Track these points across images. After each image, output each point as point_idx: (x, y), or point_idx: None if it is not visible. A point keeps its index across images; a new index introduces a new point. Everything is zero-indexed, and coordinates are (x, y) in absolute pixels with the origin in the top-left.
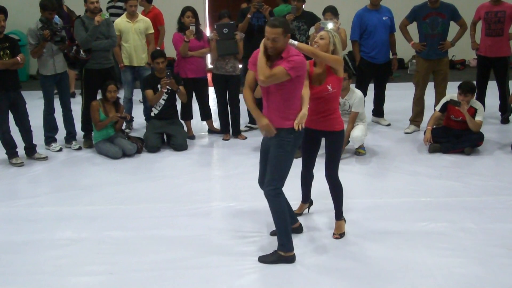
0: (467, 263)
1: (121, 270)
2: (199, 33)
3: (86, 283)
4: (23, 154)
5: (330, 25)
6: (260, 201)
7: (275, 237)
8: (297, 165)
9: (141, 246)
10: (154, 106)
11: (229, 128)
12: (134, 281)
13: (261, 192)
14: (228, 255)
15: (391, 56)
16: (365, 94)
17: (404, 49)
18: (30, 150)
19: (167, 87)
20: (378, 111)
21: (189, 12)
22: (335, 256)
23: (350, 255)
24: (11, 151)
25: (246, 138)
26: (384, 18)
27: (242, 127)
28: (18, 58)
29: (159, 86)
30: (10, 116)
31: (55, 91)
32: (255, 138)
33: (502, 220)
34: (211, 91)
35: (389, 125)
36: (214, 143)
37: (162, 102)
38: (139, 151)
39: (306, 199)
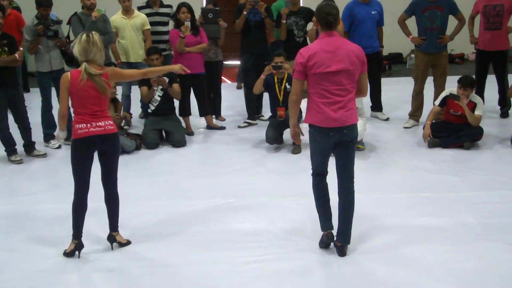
0: (467, 258)
1: (120, 266)
2: (195, 29)
3: (86, 280)
4: (22, 151)
5: None
6: (259, 197)
7: (274, 233)
8: (299, 160)
9: (140, 243)
10: (151, 102)
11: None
12: (133, 277)
13: (260, 188)
14: (227, 251)
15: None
16: None
17: (403, 43)
18: (29, 147)
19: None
20: (376, 105)
21: (184, 8)
22: (333, 251)
23: (349, 250)
24: (10, 148)
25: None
26: (373, 12)
27: (240, 123)
28: (16, 55)
29: None
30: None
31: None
32: (254, 135)
33: (501, 215)
34: None
35: (387, 119)
36: (213, 139)
37: (158, 98)
38: (138, 148)
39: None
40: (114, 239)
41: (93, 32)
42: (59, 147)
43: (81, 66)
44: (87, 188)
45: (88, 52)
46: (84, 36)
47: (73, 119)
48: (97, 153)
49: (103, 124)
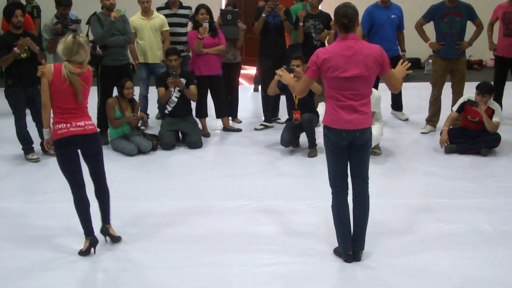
0: (483, 266)
1: (134, 267)
2: (213, 30)
3: (101, 279)
4: (39, 150)
5: None
6: (274, 200)
7: (288, 237)
8: (314, 163)
9: (155, 244)
10: (168, 103)
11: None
12: (147, 278)
13: (275, 191)
14: (241, 253)
15: (400, 53)
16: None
17: (421, 49)
18: None
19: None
20: (396, 105)
21: (203, 9)
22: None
23: (363, 256)
24: (27, 147)
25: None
26: (392, 16)
27: (257, 126)
28: (15, 49)
29: None
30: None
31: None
32: (270, 137)
33: None
34: None
35: (407, 119)
36: (229, 141)
37: (175, 99)
38: (154, 149)
39: None
40: (107, 231)
41: (80, 35)
42: None
43: (63, 64)
44: (82, 184)
45: (73, 52)
46: (70, 37)
47: (52, 119)
48: (81, 154)
49: (83, 124)
